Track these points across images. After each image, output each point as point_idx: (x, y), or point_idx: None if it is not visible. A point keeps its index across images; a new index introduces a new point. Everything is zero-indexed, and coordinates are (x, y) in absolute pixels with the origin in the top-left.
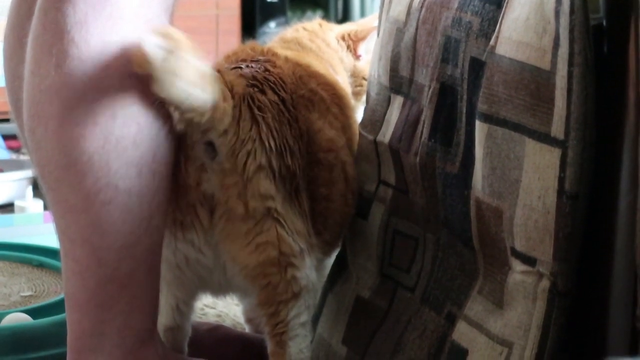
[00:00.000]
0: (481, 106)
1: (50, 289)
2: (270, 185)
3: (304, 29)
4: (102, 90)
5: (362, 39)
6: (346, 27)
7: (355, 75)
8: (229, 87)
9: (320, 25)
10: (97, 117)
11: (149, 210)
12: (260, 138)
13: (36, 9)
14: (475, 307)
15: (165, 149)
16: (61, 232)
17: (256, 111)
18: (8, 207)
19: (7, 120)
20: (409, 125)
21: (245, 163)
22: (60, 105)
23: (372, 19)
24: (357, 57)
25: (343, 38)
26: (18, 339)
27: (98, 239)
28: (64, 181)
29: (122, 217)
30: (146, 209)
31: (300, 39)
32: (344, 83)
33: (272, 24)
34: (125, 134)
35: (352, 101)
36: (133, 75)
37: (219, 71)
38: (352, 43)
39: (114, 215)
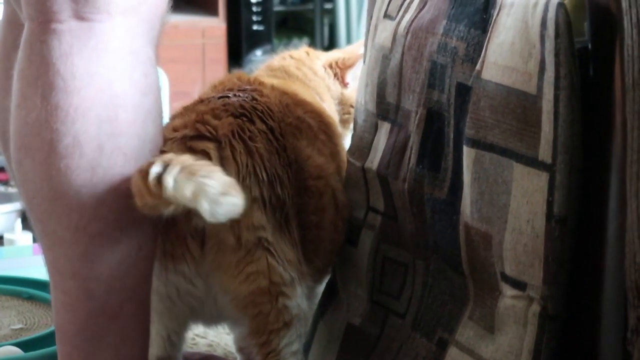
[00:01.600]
0: (468, 131)
1: (41, 322)
2: (262, 216)
3: (291, 57)
4: (89, 122)
5: (350, 66)
6: (333, 55)
7: (342, 103)
8: (212, 134)
9: (307, 53)
10: (84, 149)
11: (138, 242)
12: (255, 170)
13: (21, 41)
14: (466, 332)
15: None
16: (50, 264)
17: (249, 142)
18: None
19: None
20: (396, 151)
21: None
22: (47, 137)
23: (358, 46)
24: (344, 84)
25: (330, 66)
26: None
27: (87, 271)
28: (51, 213)
29: (111, 249)
30: (135, 240)
31: (287, 67)
32: (331, 111)
33: (258, 52)
34: (113, 165)
35: (340, 129)
36: (120, 107)
37: (201, 114)
38: (339, 71)
39: (102, 247)
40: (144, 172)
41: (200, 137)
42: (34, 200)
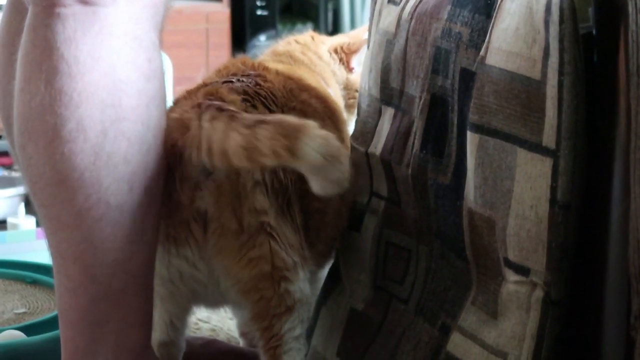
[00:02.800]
0: (472, 117)
1: (44, 306)
2: (265, 200)
3: (296, 41)
4: (92, 106)
5: (355, 51)
6: (338, 40)
7: (348, 87)
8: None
9: (313, 38)
10: (88, 134)
11: (141, 226)
12: None
13: (25, 25)
14: (469, 317)
15: (157, 165)
16: (53, 249)
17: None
18: (0, 224)
19: None
20: (400, 136)
21: (243, 180)
22: (51, 121)
23: (363, 30)
24: (350, 69)
25: (335, 51)
26: (12, 357)
27: (90, 256)
28: (55, 198)
29: (114, 233)
30: (138, 225)
31: (292, 52)
32: (336, 96)
33: (262, 37)
34: (116, 150)
35: (345, 114)
36: (124, 92)
37: (215, 91)
38: (344, 56)
39: (105, 232)
40: (283, 132)
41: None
42: (38, 185)
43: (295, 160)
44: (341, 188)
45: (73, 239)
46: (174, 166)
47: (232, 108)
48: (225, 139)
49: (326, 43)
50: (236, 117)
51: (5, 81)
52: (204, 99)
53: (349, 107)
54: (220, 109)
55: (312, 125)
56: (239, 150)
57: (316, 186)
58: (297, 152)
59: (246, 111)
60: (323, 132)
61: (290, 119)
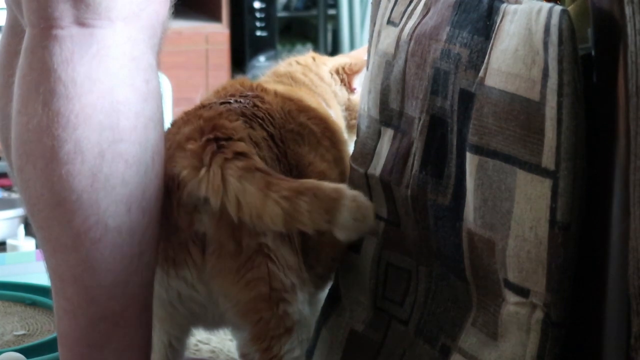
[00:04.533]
0: (471, 138)
1: (44, 328)
2: None
3: (297, 62)
4: (90, 128)
5: (357, 72)
6: (340, 61)
7: (350, 108)
8: (235, 134)
9: (314, 58)
10: (85, 155)
11: (139, 247)
12: None
13: (23, 47)
14: (469, 339)
15: (155, 186)
16: (52, 271)
17: (257, 148)
18: (0, 246)
19: None
20: (399, 157)
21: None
22: (48, 143)
23: (365, 51)
24: (352, 90)
25: (337, 71)
26: None
27: (89, 277)
28: (53, 220)
29: (113, 255)
30: (136, 246)
31: (293, 73)
32: (337, 117)
33: (261, 58)
34: (114, 172)
35: (346, 135)
36: (121, 113)
37: (215, 116)
38: (346, 76)
39: (104, 253)
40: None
41: (228, 139)
42: (36, 207)
43: (333, 227)
44: (363, 234)
45: (71, 260)
46: (172, 190)
47: (256, 163)
48: (262, 207)
49: (327, 64)
50: (272, 184)
51: (3, 103)
52: (208, 131)
53: (350, 127)
54: (240, 158)
55: (346, 194)
56: (279, 218)
57: (341, 235)
58: (336, 222)
59: (248, 133)
60: (357, 198)
61: (325, 187)
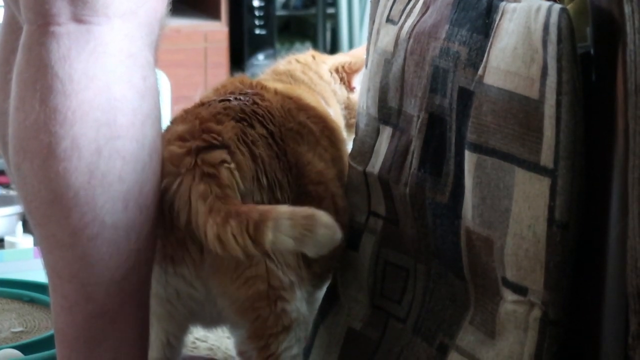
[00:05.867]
0: (470, 136)
1: (41, 325)
2: None
3: (297, 61)
4: (87, 125)
5: (357, 70)
6: (340, 59)
7: (349, 107)
8: (219, 141)
9: (314, 57)
10: (82, 152)
11: (137, 245)
12: (257, 175)
13: (20, 44)
14: (467, 337)
15: (152, 183)
16: (49, 268)
17: (252, 147)
18: None
19: None
20: (398, 155)
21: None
22: (45, 140)
23: (364, 50)
24: (351, 89)
25: (337, 70)
26: None
27: (86, 274)
28: (50, 217)
29: (110, 252)
30: (134, 243)
31: (293, 72)
32: (336, 116)
33: (260, 56)
34: (111, 169)
35: (345, 133)
36: (118, 110)
37: (204, 121)
38: (346, 75)
39: (101, 250)
40: (241, 220)
41: (209, 147)
42: (33, 204)
43: (269, 248)
44: (335, 243)
45: (68, 257)
46: (169, 190)
47: (217, 185)
48: (205, 229)
49: (327, 62)
50: (213, 209)
51: (0, 100)
52: (197, 135)
53: (349, 126)
54: (205, 180)
55: (275, 212)
56: (215, 242)
57: (310, 252)
58: (264, 242)
59: (244, 131)
60: (287, 212)
61: (257, 209)
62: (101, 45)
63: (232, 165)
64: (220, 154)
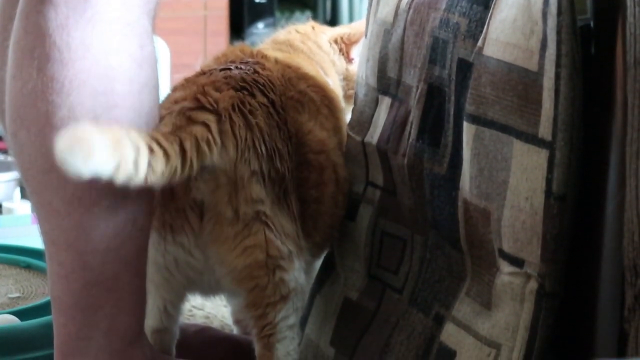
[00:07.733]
0: (469, 107)
1: (38, 291)
2: (261, 190)
3: (296, 31)
4: (84, 93)
5: (356, 42)
6: (339, 30)
7: (347, 78)
8: (213, 107)
9: (313, 27)
10: (79, 121)
11: (133, 213)
12: (254, 144)
13: (17, 12)
14: (463, 308)
15: None
16: (46, 236)
17: (249, 116)
18: None
19: None
20: (396, 126)
21: (239, 170)
22: (42, 109)
23: (364, 23)
24: (350, 60)
25: (336, 41)
26: (5, 341)
27: (82, 242)
28: (46, 185)
29: (106, 220)
30: (130, 212)
31: (292, 41)
32: (335, 86)
33: (260, 25)
34: None
35: (344, 104)
36: (115, 79)
37: (202, 86)
38: (344, 46)
39: (97, 219)
40: None
41: (200, 108)
42: (29, 172)
43: None
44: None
45: (64, 226)
46: None
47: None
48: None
49: (327, 33)
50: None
51: None
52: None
53: (348, 97)
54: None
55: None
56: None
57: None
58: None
59: (243, 100)
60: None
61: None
62: (98, 13)
63: (214, 129)
64: (206, 116)
